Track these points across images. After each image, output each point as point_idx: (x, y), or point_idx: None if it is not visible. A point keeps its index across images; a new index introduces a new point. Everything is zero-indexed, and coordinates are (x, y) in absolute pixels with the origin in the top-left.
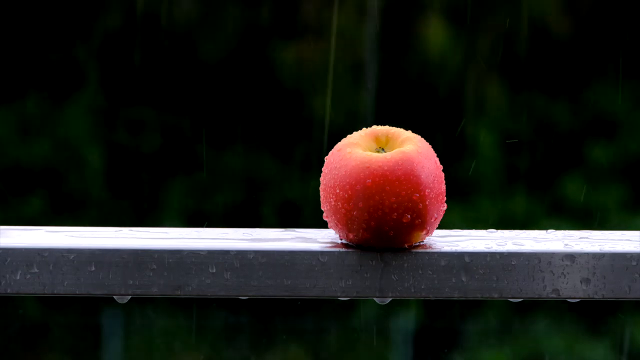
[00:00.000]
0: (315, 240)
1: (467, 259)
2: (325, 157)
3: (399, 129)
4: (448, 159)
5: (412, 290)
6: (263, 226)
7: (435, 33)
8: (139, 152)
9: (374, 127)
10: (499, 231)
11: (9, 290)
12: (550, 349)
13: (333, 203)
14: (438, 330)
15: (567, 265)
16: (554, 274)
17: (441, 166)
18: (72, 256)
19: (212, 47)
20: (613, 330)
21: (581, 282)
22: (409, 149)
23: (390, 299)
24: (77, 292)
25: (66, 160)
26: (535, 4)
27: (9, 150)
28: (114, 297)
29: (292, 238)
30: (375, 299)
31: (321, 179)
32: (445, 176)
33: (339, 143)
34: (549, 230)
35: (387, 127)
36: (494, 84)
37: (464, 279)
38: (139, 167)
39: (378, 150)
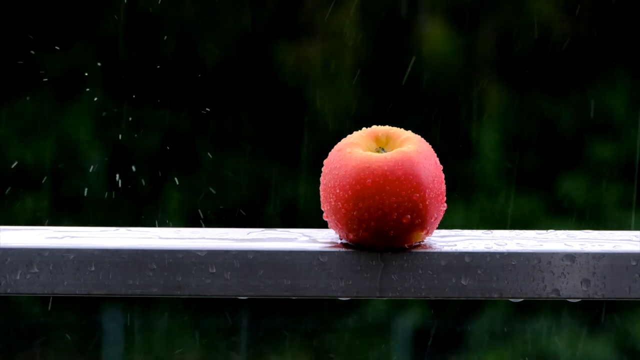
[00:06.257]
0: (315, 240)
1: (467, 259)
2: (325, 158)
3: (399, 129)
4: (448, 158)
5: (412, 290)
6: (263, 226)
7: (436, 33)
8: (140, 152)
9: (374, 127)
10: (499, 231)
11: (9, 290)
12: (551, 349)
13: (333, 203)
14: (439, 330)
15: (567, 265)
16: (554, 274)
17: (441, 166)
18: (72, 256)
19: (213, 47)
20: (614, 329)
21: (581, 282)
22: (409, 149)
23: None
24: (77, 292)
25: (66, 160)
26: (535, 4)
27: (9, 150)
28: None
29: (292, 238)
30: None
31: (321, 179)
32: (445, 176)
33: (339, 143)
34: (549, 230)
35: (387, 127)
36: (495, 83)
37: (464, 279)
38: (139, 167)
39: (378, 150)
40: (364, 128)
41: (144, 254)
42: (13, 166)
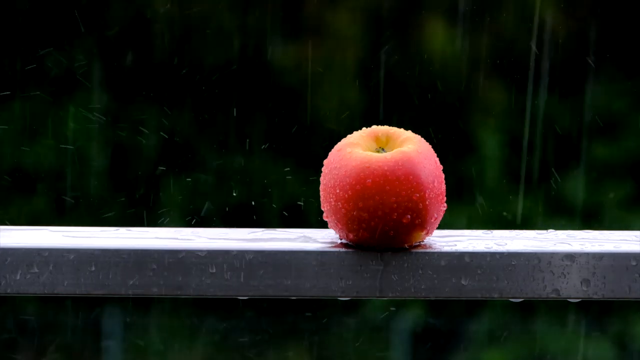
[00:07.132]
0: (315, 240)
1: (467, 259)
2: (325, 158)
3: (399, 129)
4: (448, 158)
5: (412, 290)
6: (263, 226)
7: (436, 33)
8: (140, 152)
9: (374, 127)
10: (499, 231)
11: (9, 290)
12: (551, 349)
13: (333, 203)
14: (439, 330)
15: (567, 265)
16: (554, 274)
17: (441, 166)
18: (72, 256)
19: (213, 47)
20: (614, 330)
21: (581, 282)
22: (409, 149)
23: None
24: (77, 292)
25: (66, 160)
26: (536, 3)
27: (9, 150)
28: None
29: (292, 238)
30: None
31: (321, 179)
32: (445, 176)
33: (339, 143)
34: (549, 230)
35: (387, 127)
36: (495, 83)
37: (464, 279)
38: (139, 167)
39: (378, 150)
40: (364, 128)
41: (144, 254)
42: (12, 166)
